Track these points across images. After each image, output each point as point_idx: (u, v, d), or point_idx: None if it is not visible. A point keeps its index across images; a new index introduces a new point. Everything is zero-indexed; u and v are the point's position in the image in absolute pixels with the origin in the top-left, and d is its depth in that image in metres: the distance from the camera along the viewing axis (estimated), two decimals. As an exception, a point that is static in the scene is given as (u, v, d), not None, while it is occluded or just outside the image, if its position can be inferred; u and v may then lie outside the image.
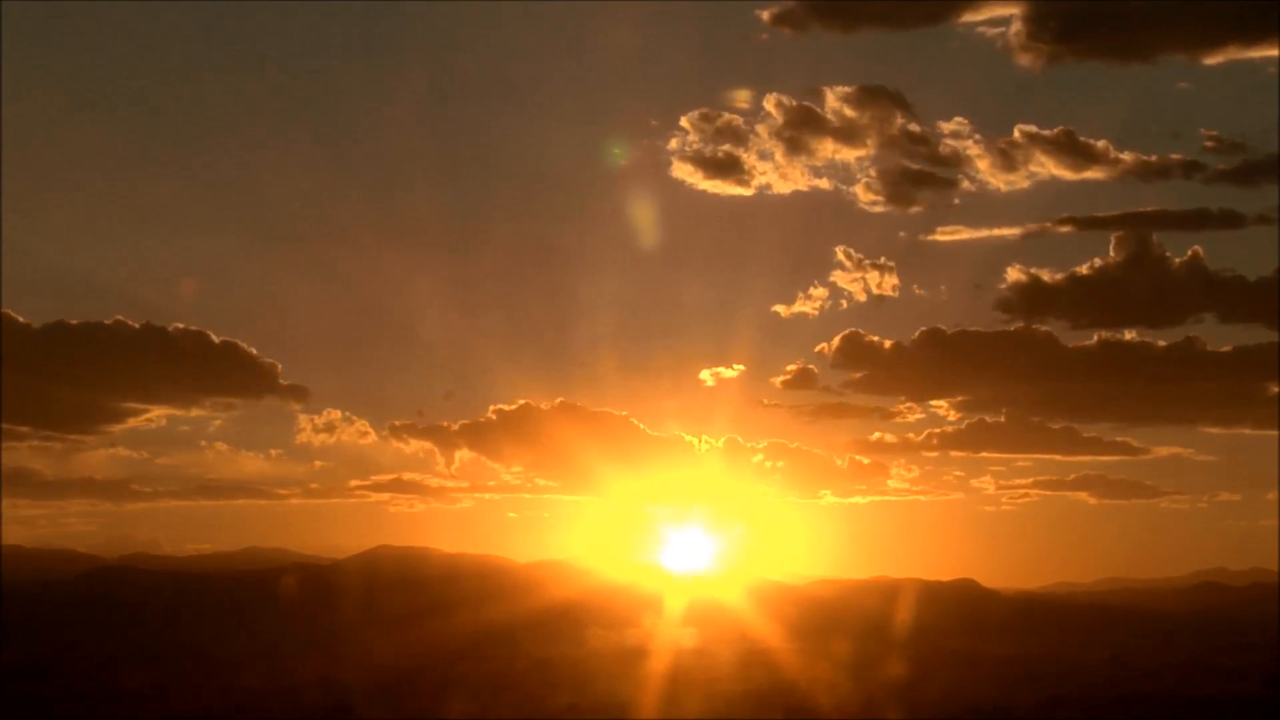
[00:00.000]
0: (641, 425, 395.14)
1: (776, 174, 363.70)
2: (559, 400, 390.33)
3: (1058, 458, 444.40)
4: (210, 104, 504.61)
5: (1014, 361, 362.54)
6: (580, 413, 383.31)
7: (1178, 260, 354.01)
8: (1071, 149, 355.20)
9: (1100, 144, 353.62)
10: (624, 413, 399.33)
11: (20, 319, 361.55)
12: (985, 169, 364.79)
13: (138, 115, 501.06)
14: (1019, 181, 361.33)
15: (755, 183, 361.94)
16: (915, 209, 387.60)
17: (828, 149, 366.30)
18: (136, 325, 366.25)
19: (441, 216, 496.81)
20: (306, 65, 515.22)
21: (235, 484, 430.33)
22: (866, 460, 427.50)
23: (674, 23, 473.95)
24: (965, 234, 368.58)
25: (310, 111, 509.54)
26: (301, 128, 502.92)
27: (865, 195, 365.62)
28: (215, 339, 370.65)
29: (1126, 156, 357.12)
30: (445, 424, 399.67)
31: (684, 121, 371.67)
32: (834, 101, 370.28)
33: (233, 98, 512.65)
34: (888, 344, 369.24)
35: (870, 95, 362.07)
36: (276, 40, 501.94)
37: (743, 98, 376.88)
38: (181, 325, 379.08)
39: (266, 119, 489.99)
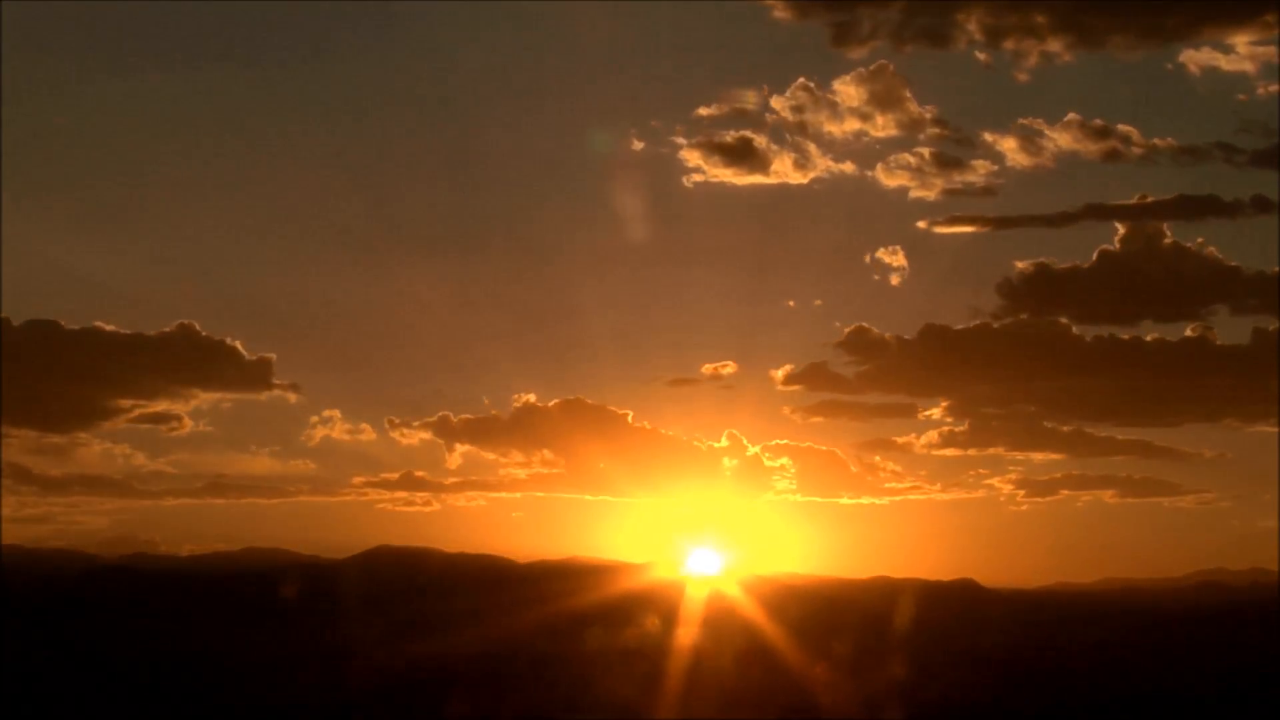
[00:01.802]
0: (645, 423, 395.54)
1: (793, 162, 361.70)
2: (562, 398, 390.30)
3: (1063, 457, 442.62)
4: (209, 104, 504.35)
5: (1026, 356, 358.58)
6: (584, 410, 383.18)
7: (1195, 250, 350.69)
8: (1099, 134, 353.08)
9: (1129, 129, 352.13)
10: (628, 410, 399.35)
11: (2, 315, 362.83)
12: (1010, 155, 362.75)
13: (136, 114, 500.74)
14: (1046, 167, 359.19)
15: (772, 169, 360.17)
16: (936, 196, 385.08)
17: (845, 134, 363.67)
18: (136, 324, 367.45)
19: (446, 212, 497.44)
20: (306, 64, 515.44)
21: (235, 483, 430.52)
22: (875, 459, 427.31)
23: (680, 14, 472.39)
24: (987, 222, 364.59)
25: (311, 110, 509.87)
26: (304, 127, 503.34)
27: (888, 180, 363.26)
28: (213, 337, 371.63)
29: (1159, 142, 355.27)
30: (445, 423, 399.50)
31: (696, 112, 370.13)
32: (852, 86, 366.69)
33: (231, 97, 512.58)
34: (899, 339, 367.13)
35: (888, 79, 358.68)
36: (274, 39, 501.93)
37: (756, 87, 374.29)
38: (178, 322, 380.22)
39: (266, 119, 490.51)
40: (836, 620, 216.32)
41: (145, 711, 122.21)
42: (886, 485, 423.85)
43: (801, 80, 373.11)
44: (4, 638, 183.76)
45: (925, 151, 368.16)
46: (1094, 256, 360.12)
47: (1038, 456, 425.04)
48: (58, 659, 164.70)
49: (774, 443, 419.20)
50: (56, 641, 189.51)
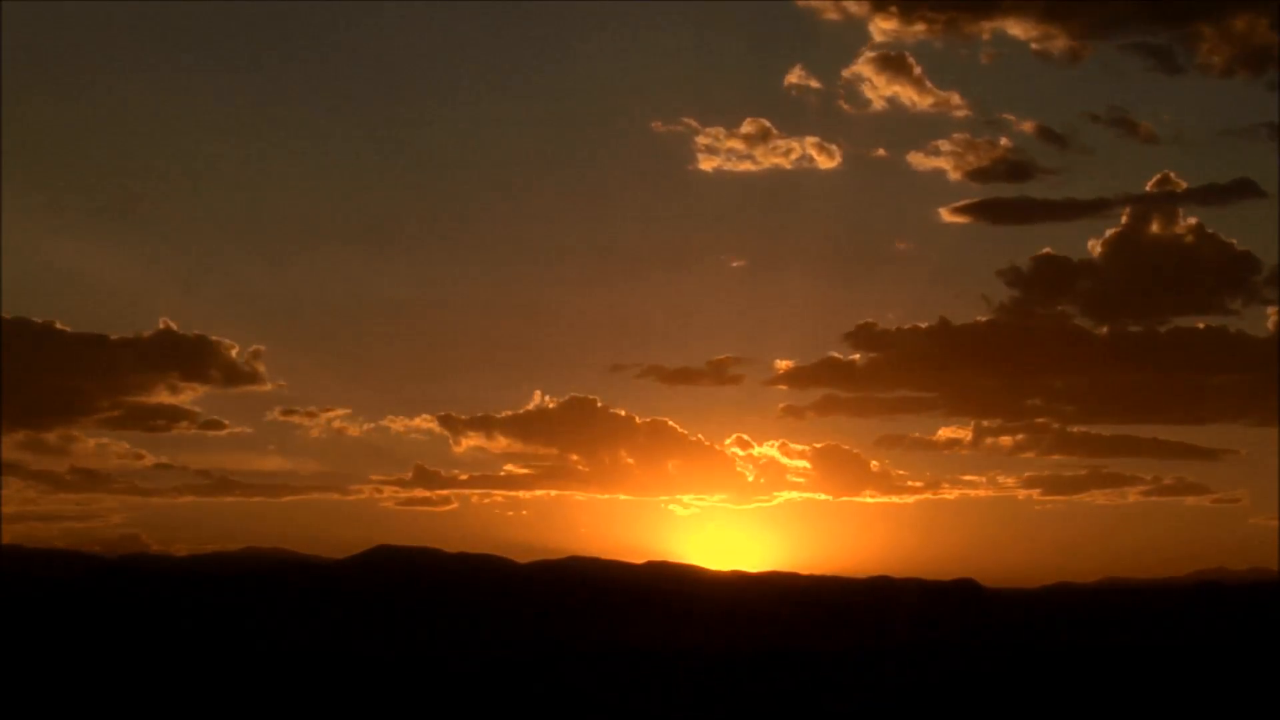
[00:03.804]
0: (647, 420, 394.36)
1: (813, 145, 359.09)
2: (568, 397, 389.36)
3: (1077, 456, 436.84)
4: (208, 103, 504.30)
5: (1035, 352, 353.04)
6: (590, 409, 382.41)
7: (1215, 237, 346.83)
8: (1126, 124, 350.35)
9: (1162, 116, 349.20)
10: (630, 409, 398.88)
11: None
12: (1037, 140, 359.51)
13: (134, 114, 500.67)
14: (1072, 159, 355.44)
15: (789, 155, 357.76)
16: (958, 182, 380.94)
17: (866, 118, 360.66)
18: (132, 321, 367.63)
19: (448, 207, 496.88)
20: (301, 61, 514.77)
21: (235, 482, 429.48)
22: (884, 460, 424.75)
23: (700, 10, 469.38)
24: (1010, 210, 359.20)
25: (314, 109, 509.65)
26: (306, 126, 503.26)
27: (913, 166, 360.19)
28: (212, 336, 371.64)
29: (1186, 127, 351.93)
30: (448, 421, 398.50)
31: (713, 96, 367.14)
32: (871, 70, 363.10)
33: (229, 97, 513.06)
34: (912, 332, 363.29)
35: (909, 64, 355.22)
36: (266, 38, 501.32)
37: (775, 70, 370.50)
38: (174, 319, 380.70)
39: (267, 119, 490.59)
40: (838, 618, 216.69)
41: (146, 711, 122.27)
42: (894, 485, 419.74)
43: (817, 66, 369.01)
44: (4, 638, 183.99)
45: (953, 136, 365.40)
46: (1101, 247, 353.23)
47: (1052, 456, 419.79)
48: (58, 659, 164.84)
49: (777, 441, 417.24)
50: (56, 641, 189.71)
